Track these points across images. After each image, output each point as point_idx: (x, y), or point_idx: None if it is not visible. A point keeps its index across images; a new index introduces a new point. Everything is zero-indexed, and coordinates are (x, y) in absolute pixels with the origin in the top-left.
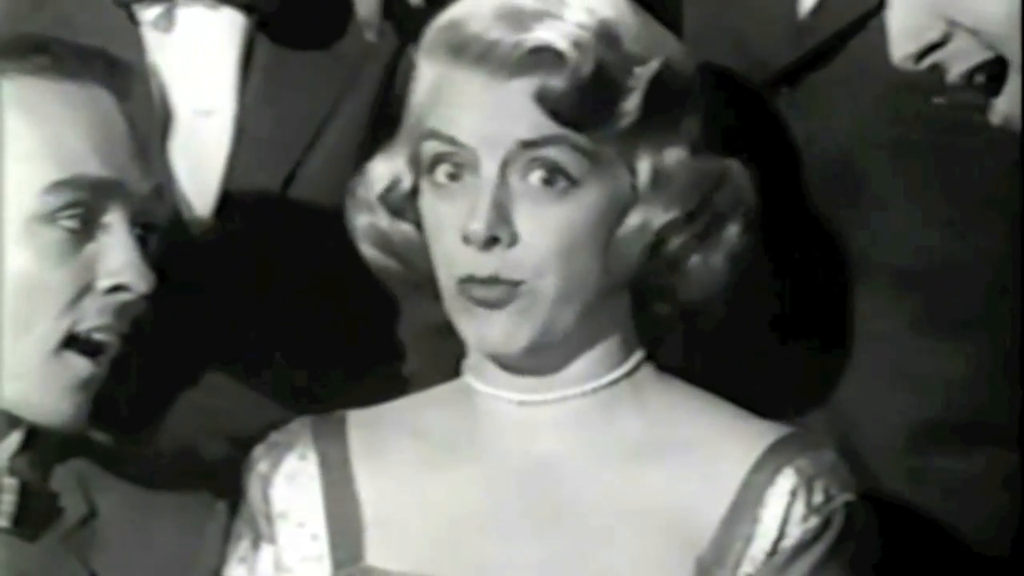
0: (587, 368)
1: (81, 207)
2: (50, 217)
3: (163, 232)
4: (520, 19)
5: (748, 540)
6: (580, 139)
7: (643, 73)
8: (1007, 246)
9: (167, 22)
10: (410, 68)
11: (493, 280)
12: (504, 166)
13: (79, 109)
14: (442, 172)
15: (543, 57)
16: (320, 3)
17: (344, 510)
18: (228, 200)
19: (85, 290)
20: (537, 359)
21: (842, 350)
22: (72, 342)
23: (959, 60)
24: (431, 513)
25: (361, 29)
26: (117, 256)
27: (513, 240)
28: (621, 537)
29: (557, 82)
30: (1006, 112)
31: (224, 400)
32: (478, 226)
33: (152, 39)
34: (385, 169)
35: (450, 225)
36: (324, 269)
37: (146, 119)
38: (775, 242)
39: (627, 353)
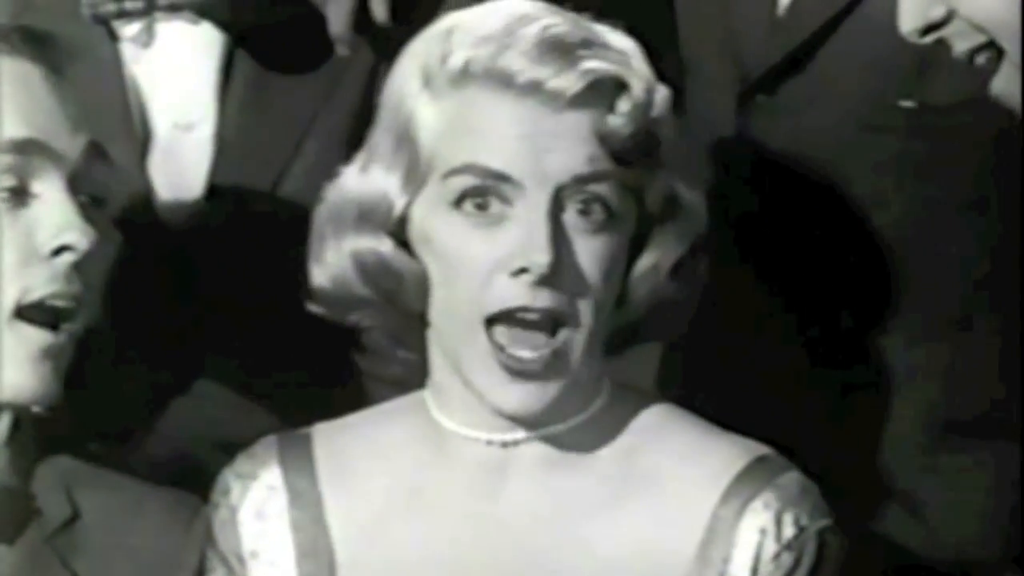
0: (563, 407)
1: (7, 172)
2: None
3: (110, 199)
4: (567, 48)
5: None
6: (628, 174)
7: (660, 100)
8: (995, 244)
9: (147, 37)
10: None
11: (545, 313)
12: (554, 198)
13: (2, 86)
14: (470, 203)
15: (602, 88)
16: (300, 18)
17: (316, 549)
18: (209, 213)
19: (29, 257)
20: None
21: (841, 352)
22: (27, 312)
23: (961, 39)
24: (402, 559)
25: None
26: (54, 217)
27: (571, 274)
28: None
29: (620, 118)
30: (999, 92)
31: (214, 407)
32: (543, 258)
33: (132, 54)
34: (374, 187)
35: (487, 258)
36: (307, 279)
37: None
38: (764, 250)
39: (596, 390)
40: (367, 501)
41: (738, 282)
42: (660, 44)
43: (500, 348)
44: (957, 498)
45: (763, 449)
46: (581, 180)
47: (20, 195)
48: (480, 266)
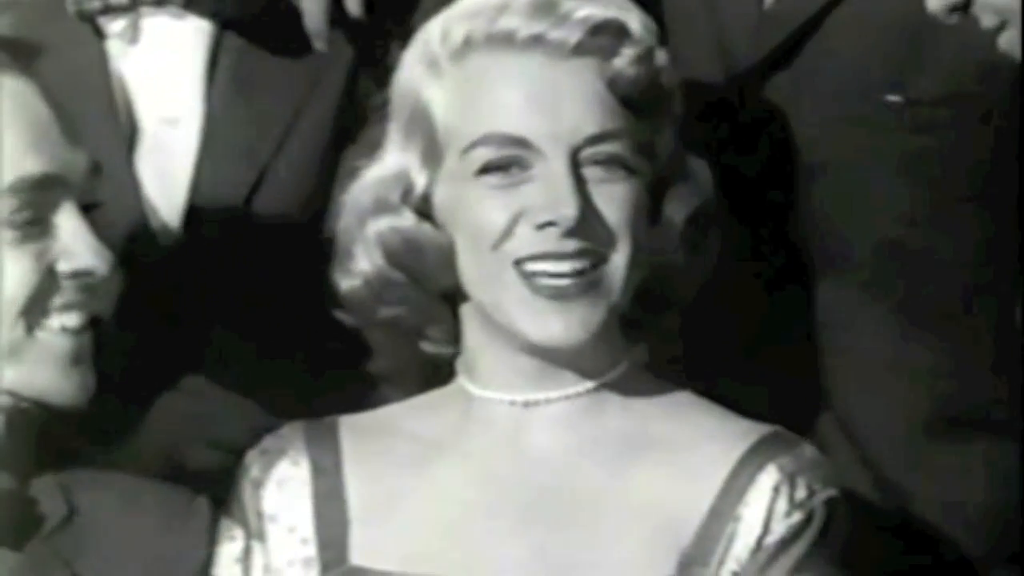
0: (583, 369)
1: (29, 207)
2: (3, 222)
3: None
4: (560, 2)
5: (731, 538)
6: (639, 130)
7: (661, 56)
8: (981, 240)
9: (133, 33)
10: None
11: (575, 253)
12: (571, 155)
13: (5, 109)
14: (491, 167)
15: (604, 37)
16: (282, 11)
17: (333, 513)
18: (196, 207)
19: (47, 282)
20: (558, 355)
21: (830, 348)
22: (43, 325)
23: (986, 17)
24: (419, 512)
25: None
26: (75, 244)
27: (597, 219)
28: (606, 533)
29: (626, 64)
30: (1005, 49)
31: (204, 405)
32: (569, 210)
33: (117, 50)
34: (393, 168)
35: (510, 210)
36: (296, 272)
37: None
38: (750, 244)
39: (617, 356)
40: (385, 465)
41: (731, 277)
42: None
43: (532, 276)
44: (951, 494)
45: (777, 427)
46: (594, 140)
47: (37, 226)
48: (503, 217)
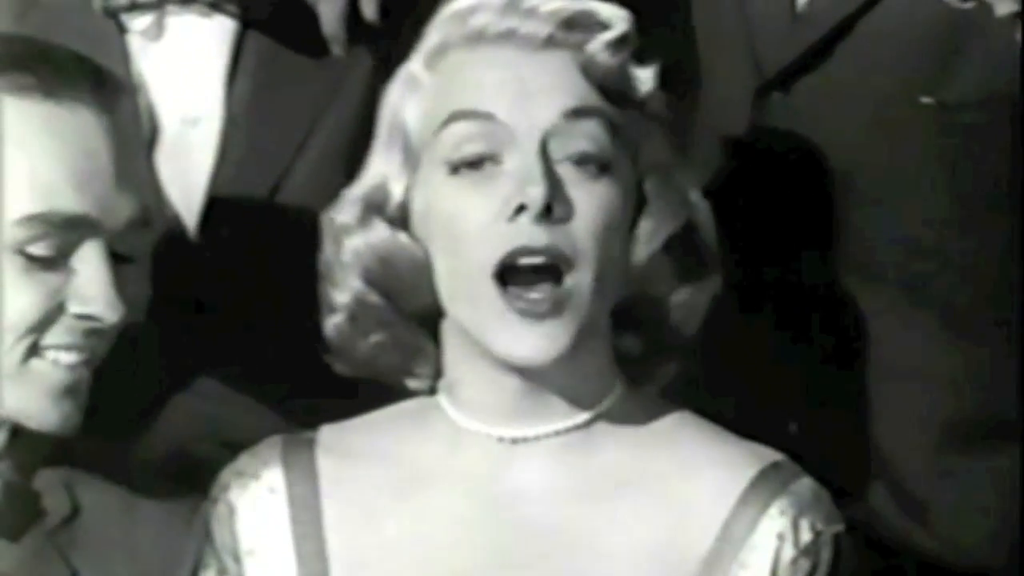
0: (571, 402)
1: (53, 239)
2: (19, 247)
3: (143, 259)
4: None
5: None
6: (615, 114)
7: (646, 74)
8: (1008, 244)
9: (157, 30)
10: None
11: (547, 251)
12: (545, 141)
13: (60, 137)
14: (465, 161)
15: (577, 29)
16: (306, 11)
17: (313, 549)
18: (216, 207)
19: (52, 315)
20: (542, 378)
21: (855, 352)
22: (40, 354)
23: (1001, 3)
24: (401, 551)
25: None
26: (89, 289)
27: (568, 212)
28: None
29: (599, 49)
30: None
31: (215, 405)
32: (537, 191)
33: (140, 47)
34: (371, 182)
35: (485, 211)
36: (312, 274)
37: (135, 134)
38: (778, 248)
39: (609, 386)
40: (367, 497)
41: (750, 281)
42: (677, 40)
43: (508, 293)
44: (969, 502)
45: (776, 455)
46: (569, 116)
47: (60, 259)
48: (479, 219)
